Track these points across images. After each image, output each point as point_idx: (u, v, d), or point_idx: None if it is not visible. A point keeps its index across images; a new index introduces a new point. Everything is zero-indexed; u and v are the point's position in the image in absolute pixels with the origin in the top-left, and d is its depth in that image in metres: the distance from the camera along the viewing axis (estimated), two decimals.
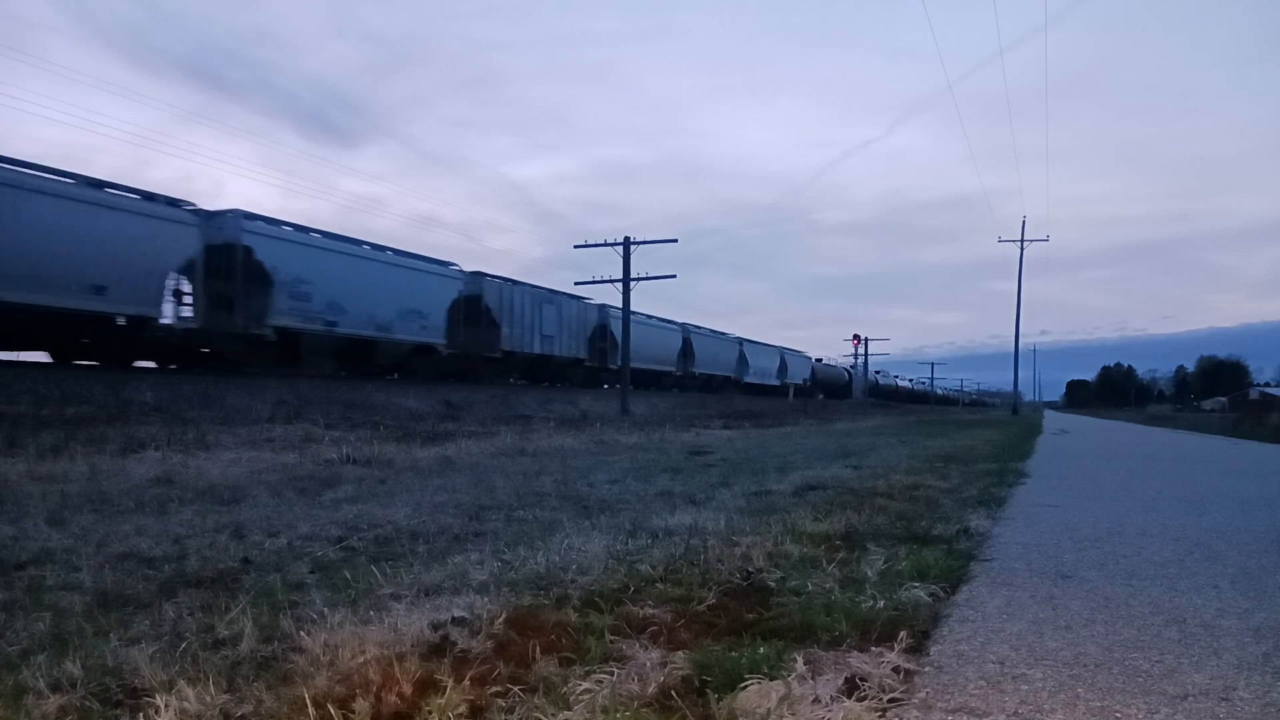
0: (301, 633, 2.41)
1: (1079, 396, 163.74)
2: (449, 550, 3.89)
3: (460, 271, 26.91)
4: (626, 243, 30.95)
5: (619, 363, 32.67)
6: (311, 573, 3.46)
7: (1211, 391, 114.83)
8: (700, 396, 40.23)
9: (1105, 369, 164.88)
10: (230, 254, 19.14)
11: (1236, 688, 2.21)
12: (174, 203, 18.46)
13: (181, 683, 2.01)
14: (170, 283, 18.11)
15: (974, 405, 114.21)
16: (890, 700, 2.07)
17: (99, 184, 17.00)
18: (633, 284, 31.02)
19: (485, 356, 27.32)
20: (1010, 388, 59.92)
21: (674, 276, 32.07)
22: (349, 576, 3.22)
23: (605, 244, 31.12)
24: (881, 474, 7.99)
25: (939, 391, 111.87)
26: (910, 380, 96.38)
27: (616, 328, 33.06)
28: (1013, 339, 49.65)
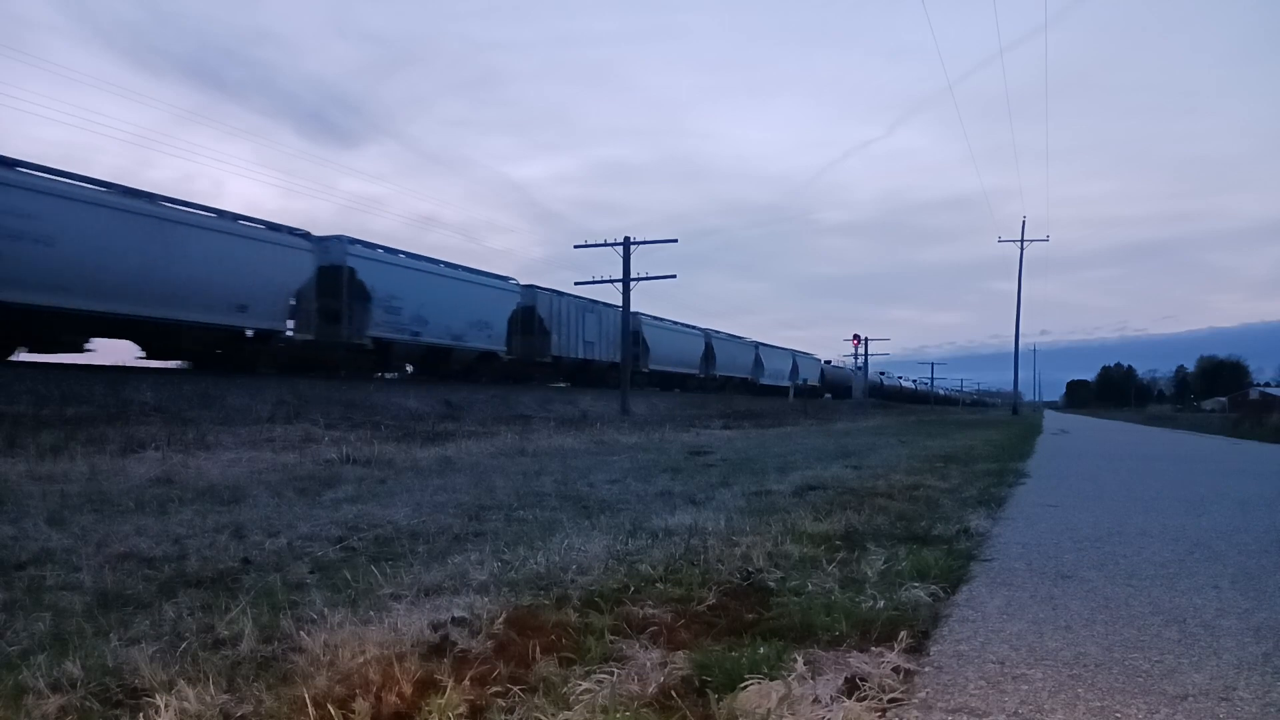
0: (301, 633, 2.41)
1: (1079, 396, 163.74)
2: (449, 550, 3.89)
3: (517, 285, 29.51)
4: (626, 243, 30.95)
5: (650, 366, 37.27)
6: (311, 573, 3.46)
7: (1211, 391, 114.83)
8: (701, 396, 40.71)
9: (1105, 369, 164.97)
10: (337, 275, 22.01)
11: (1236, 688, 2.21)
12: (294, 231, 21.42)
13: (181, 683, 2.01)
14: (291, 300, 21.21)
15: (975, 405, 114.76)
16: (890, 700, 2.07)
17: (234, 216, 20.12)
18: (633, 284, 31.04)
19: (538, 362, 30.45)
20: (1010, 387, 60.03)
21: (674, 276, 32.08)
22: (349, 576, 3.22)
23: (605, 244, 31.12)
24: (881, 474, 8.00)
25: (941, 392, 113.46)
26: (914, 381, 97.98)
27: (648, 333, 37.29)
28: (1013, 339, 49.73)
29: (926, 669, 2.34)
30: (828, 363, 68.07)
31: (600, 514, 5.13)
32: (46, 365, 17.25)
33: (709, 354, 45.03)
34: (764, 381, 51.98)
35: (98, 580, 3.23)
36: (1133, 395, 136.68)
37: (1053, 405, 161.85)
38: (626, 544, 3.95)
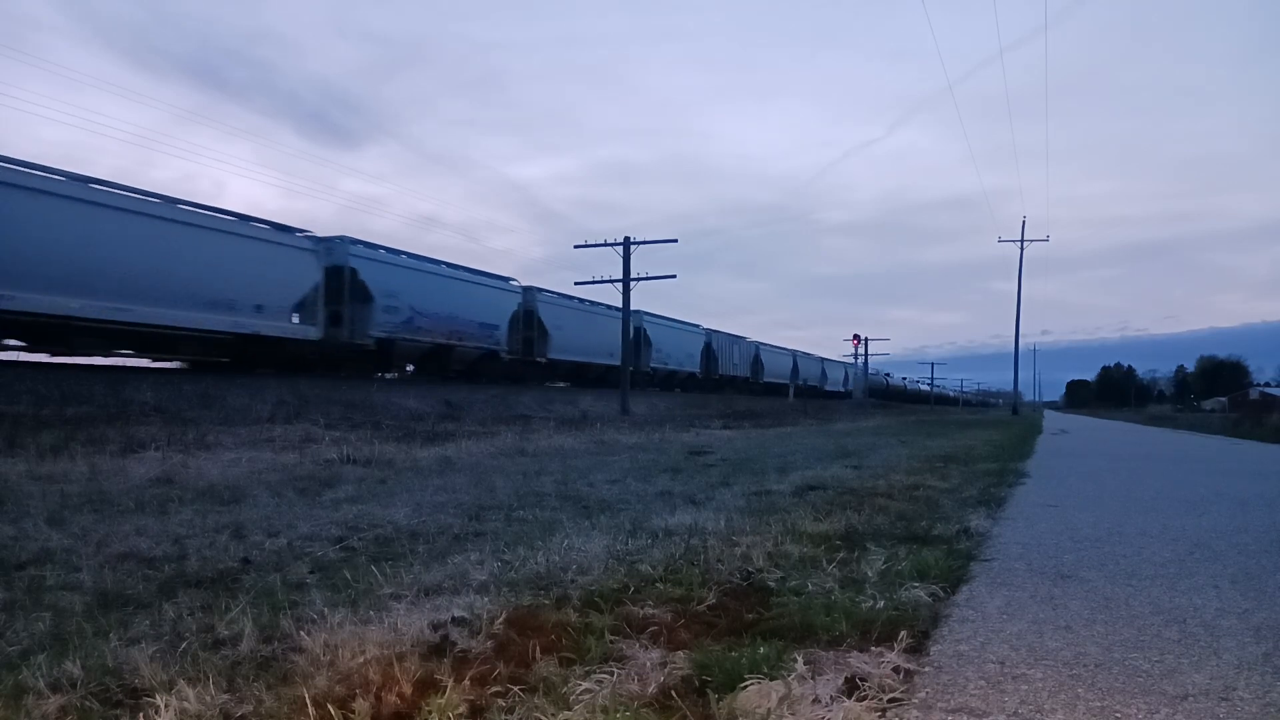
0: (301, 633, 2.41)
1: (1079, 396, 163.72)
2: (449, 550, 3.89)
3: (704, 329, 44.41)
4: (626, 243, 30.95)
5: (764, 379, 51.75)
6: (311, 573, 3.46)
7: (1211, 391, 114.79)
8: (700, 396, 41.61)
9: (1105, 369, 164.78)
10: (638, 332, 36.68)
11: (1236, 688, 2.21)
12: (613, 308, 35.22)
13: (181, 683, 2.01)
14: (613, 351, 34.38)
15: (981, 406, 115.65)
16: (890, 700, 2.07)
17: (595, 304, 33.90)
18: (633, 284, 31.05)
19: (712, 379, 45.34)
20: (1010, 387, 60.26)
21: (674, 276, 32.22)
22: (349, 576, 3.22)
23: (605, 244, 31.14)
24: (881, 474, 8.00)
25: (951, 394, 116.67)
26: (930, 383, 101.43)
27: (764, 355, 52.29)
28: (1013, 339, 49.73)
29: (926, 669, 2.34)
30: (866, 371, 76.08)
31: (600, 514, 5.13)
32: (47, 365, 17.25)
33: (795, 369, 58.52)
34: (828, 388, 64.83)
35: (98, 580, 3.23)
36: (1133, 395, 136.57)
37: (1053, 405, 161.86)
38: (626, 544, 3.95)
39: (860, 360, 61.61)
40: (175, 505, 5.34)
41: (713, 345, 45.71)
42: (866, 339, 58.51)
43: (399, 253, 24.06)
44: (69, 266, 15.50)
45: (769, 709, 1.97)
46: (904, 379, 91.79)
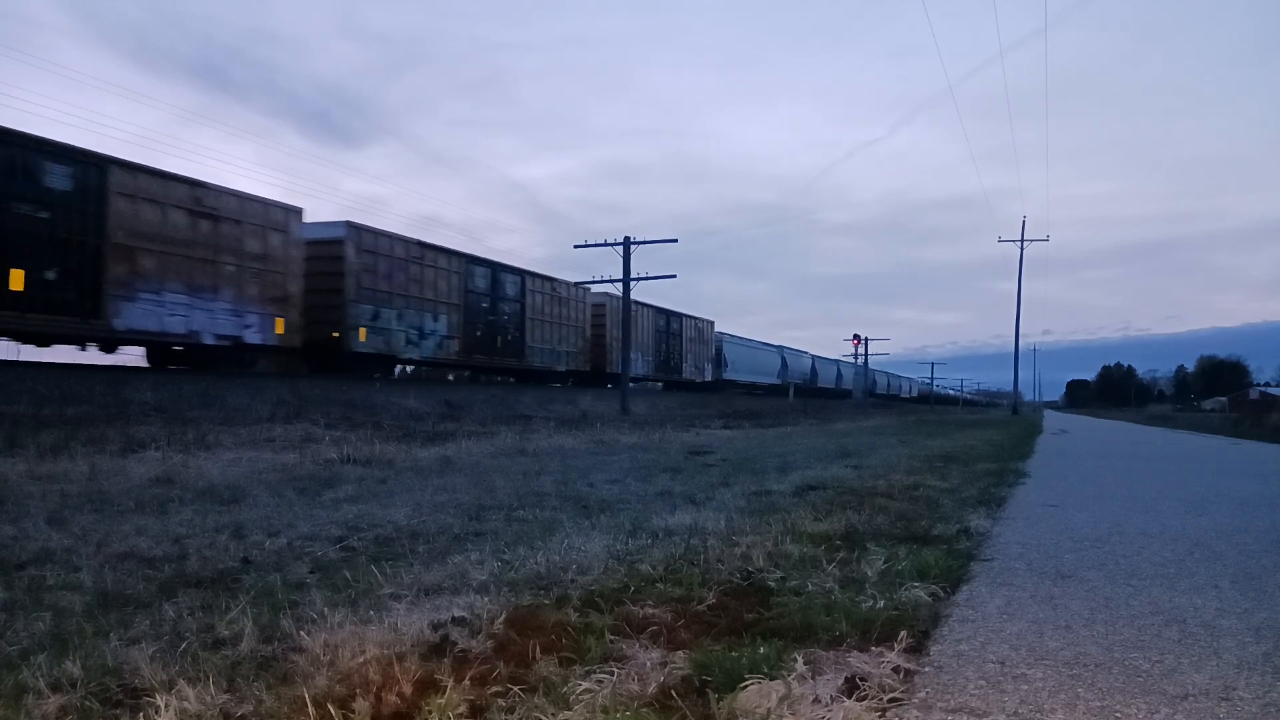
0: (301, 633, 2.41)
1: (1079, 396, 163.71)
2: (449, 550, 3.89)
3: (777, 347, 56.33)
4: (626, 242, 30.96)
5: (819, 384, 64.38)
6: (311, 573, 3.46)
7: (1211, 391, 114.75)
8: (702, 397, 41.49)
9: (1105, 369, 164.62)
10: (785, 358, 56.51)
11: (1236, 687, 2.21)
12: (770, 344, 55.70)
13: (181, 683, 2.01)
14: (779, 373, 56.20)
15: (987, 406, 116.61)
16: (890, 700, 2.07)
17: (763, 343, 52.43)
18: (632, 283, 31.09)
19: (783, 386, 55.45)
20: (1011, 387, 60.38)
21: (674, 276, 32.43)
22: (349, 576, 3.23)
23: (605, 244, 31.16)
24: (881, 474, 7.99)
25: (967, 396, 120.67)
26: (952, 388, 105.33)
27: (820, 366, 64.30)
28: (1014, 339, 49.78)
29: (926, 669, 2.34)
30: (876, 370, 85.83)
31: (600, 514, 5.13)
32: (47, 365, 17.25)
33: (839, 375, 69.93)
34: (837, 385, 74.88)
35: (98, 580, 3.23)
36: (1133, 395, 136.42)
37: (1053, 405, 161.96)
38: (626, 544, 3.96)
39: (860, 360, 61.75)
40: (175, 505, 5.34)
41: (840, 370, 67.27)
42: (867, 339, 58.58)
43: (793, 349, 54.42)
44: (749, 366, 48.69)
45: (769, 709, 1.97)
46: (924, 380, 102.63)
